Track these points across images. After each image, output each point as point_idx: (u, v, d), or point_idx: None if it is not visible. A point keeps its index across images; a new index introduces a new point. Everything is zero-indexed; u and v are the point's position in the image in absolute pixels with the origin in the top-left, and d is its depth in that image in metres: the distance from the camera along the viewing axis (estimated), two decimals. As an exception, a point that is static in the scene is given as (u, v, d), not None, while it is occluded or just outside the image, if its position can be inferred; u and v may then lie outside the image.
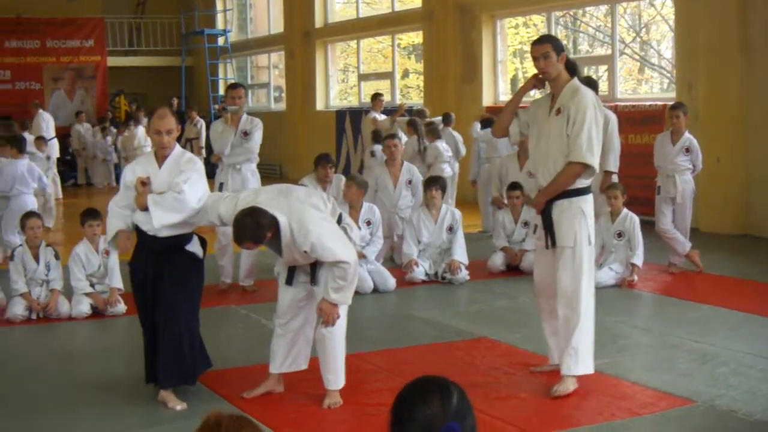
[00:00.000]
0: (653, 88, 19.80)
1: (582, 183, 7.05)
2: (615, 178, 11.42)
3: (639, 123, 15.74)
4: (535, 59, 7.11)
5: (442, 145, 15.60)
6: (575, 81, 7.08)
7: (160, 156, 7.09)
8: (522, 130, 7.37)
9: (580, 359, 7.05)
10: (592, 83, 11.73)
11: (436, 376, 2.85)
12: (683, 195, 11.58)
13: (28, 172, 12.68)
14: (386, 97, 23.85)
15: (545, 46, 7.04)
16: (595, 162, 6.97)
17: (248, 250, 8.74)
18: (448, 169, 15.56)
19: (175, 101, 26.84)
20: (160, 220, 6.85)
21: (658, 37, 20.25)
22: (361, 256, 10.74)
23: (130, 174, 7.14)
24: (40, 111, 23.48)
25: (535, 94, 7.57)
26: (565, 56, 7.07)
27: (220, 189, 10.71)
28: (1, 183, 12.62)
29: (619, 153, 11.48)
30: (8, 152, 12.87)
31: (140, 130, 22.55)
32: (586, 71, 19.03)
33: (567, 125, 6.94)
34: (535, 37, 7.86)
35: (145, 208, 6.90)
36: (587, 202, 7.11)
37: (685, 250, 11.69)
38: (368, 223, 11.29)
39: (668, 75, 18.59)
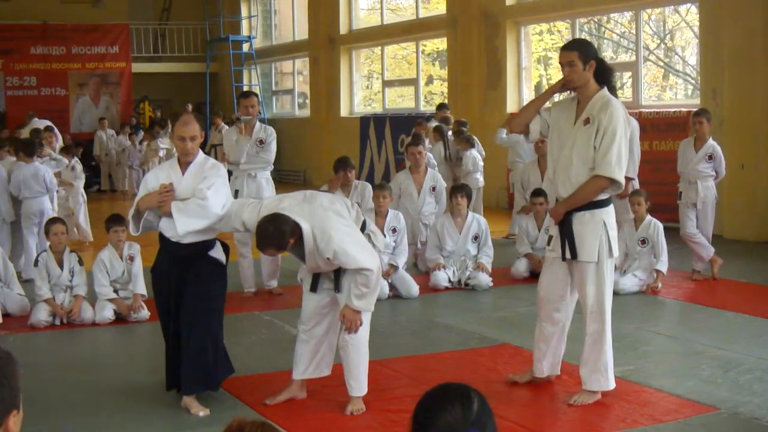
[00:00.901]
0: (678, 95, 19.74)
1: (603, 195, 6.94)
2: (636, 184, 11.43)
3: (663, 129, 15.69)
4: (561, 65, 7.01)
5: (476, 153, 15.62)
6: (605, 91, 6.93)
7: (183, 162, 7.10)
8: (542, 130, 7.22)
9: (609, 375, 7.01)
10: (610, 90, 11.76)
11: (457, 383, 2.85)
12: (704, 201, 11.53)
13: (33, 176, 12.68)
14: (410, 104, 23.93)
15: (571, 54, 6.88)
16: (621, 177, 6.84)
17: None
18: (481, 179, 15.58)
19: (190, 107, 26.79)
20: (184, 227, 6.86)
21: (682, 44, 20.20)
22: (390, 272, 10.79)
23: (153, 180, 7.15)
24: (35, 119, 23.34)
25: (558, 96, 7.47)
26: (594, 64, 6.89)
27: (236, 196, 10.71)
28: (11, 187, 12.66)
29: (639, 160, 11.50)
30: (3, 156, 12.90)
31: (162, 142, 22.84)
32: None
33: (596, 137, 6.80)
34: (560, 44, 7.75)
35: (169, 215, 6.92)
36: (609, 213, 7.00)
37: (709, 255, 11.64)
38: (393, 230, 11.27)
39: (693, 81, 18.52)
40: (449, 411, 2.72)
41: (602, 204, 6.95)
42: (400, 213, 11.71)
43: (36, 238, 12.55)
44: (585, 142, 6.86)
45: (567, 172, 6.96)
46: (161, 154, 23.46)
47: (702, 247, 11.61)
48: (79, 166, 16.18)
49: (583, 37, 19.83)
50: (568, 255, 6.96)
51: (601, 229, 6.90)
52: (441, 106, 17.92)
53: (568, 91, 7.25)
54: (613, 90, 7.04)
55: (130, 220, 7.18)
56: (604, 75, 7.01)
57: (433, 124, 16.90)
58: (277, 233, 6.42)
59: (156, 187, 7.05)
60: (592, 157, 6.83)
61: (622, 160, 6.84)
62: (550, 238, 7.22)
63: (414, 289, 11.11)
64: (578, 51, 6.90)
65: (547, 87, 7.67)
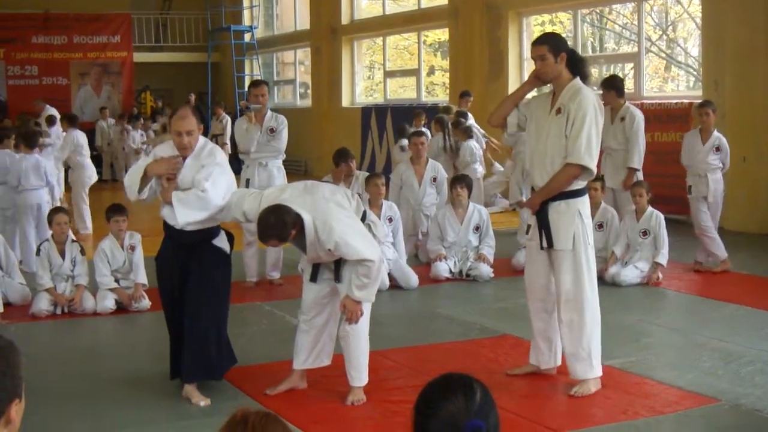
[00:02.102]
0: (680, 86, 19.71)
1: (578, 184, 7.02)
2: (640, 176, 11.42)
3: (665, 121, 15.66)
4: (533, 59, 7.11)
5: (473, 144, 15.63)
6: (577, 81, 7.02)
7: (182, 155, 7.06)
8: (520, 122, 7.33)
9: (594, 362, 7.04)
10: (617, 82, 11.75)
11: (459, 374, 2.85)
12: (715, 194, 11.51)
13: (33, 168, 12.64)
14: (412, 95, 23.91)
15: (542, 48, 7.00)
16: (592, 164, 6.93)
17: (274, 246, 8.75)
18: (481, 169, 15.60)
19: (193, 97, 26.80)
20: (185, 218, 6.86)
21: (684, 35, 20.15)
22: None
23: (160, 153, 7.14)
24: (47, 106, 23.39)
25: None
26: (565, 56, 6.99)
27: (247, 185, 10.72)
28: (9, 178, 12.61)
29: (643, 151, 11.48)
30: (9, 145, 12.86)
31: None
32: (612, 69, 19.00)
33: (566, 126, 6.90)
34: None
35: (170, 203, 6.92)
36: (584, 203, 7.08)
37: (722, 257, 11.56)
38: (390, 219, 11.28)
39: (695, 73, 18.51)
40: (452, 401, 2.72)
41: (577, 194, 7.04)
42: (393, 203, 11.73)
43: (34, 230, 12.53)
44: (557, 132, 6.97)
45: (543, 163, 7.06)
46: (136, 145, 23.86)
47: (717, 245, 11.53)
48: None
49: (585, 28, 19.83)
50: (545, 244, 7.04)
51: (577, 218, 6.99)
52: (464, 94, 17.99)
53: (543, 85, 7.36)
54: (585, 79, 7.10)
55: (130, 185, 7.09)
56: (577, 65, 7.11)
57: (454, 109, 17.04)
58: (279, 224, 6.42)
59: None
60: (564, 145, 6.90)
61: (593, 146, 6.91)
62: (529, 227, 7.33)
63: (413, 279, 11.11)
64: (548, 45, 7.02)
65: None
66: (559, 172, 6.95)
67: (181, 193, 6.90)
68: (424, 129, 15.90)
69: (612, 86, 11.58)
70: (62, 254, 10.14)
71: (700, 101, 12.33)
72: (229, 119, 23.98)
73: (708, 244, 11.57)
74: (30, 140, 13.07)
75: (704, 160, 11.52)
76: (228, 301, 7.26)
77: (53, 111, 21.16)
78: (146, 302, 10.05)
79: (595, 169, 7.03)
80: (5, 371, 2.68)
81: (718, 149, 11.52)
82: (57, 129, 18.40)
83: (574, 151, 6.85)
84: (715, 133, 11.56)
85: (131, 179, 7.12)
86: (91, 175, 16.34)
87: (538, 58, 7.01)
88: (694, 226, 11.71)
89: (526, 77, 19.78)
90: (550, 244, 7.03)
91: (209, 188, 6.85)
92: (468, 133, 15.75)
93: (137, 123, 25.95)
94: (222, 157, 7.13)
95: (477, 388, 2.78)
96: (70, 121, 16.88)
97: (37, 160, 12.82)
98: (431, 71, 25.38)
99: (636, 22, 17.95)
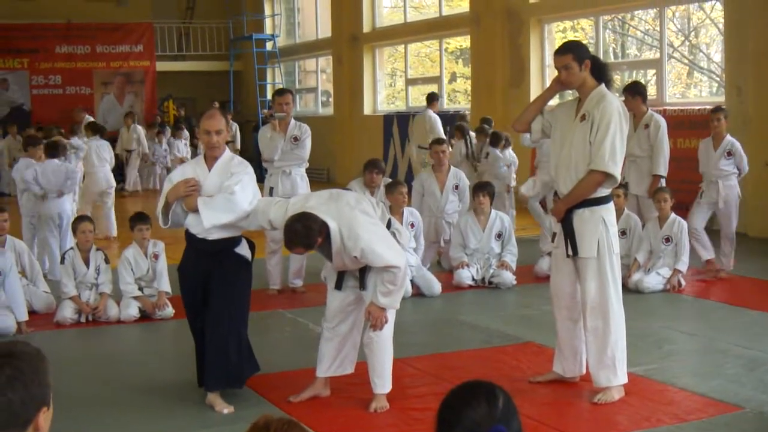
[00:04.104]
0: (702, 92, 19.65)
1: (602, 191, 7.01)
2: (663, 183, 11.40)
3: (688, 127, 15.62)
4: (557, 69, 7.10)
5: (498, 152, 15.65)
6: (602, 88, 7.02)
7: (210, 158, 7.13)
8: (545, 128, 7.33)
9: (618, 370, 7.03)
10: (640, 88, 11.71)
11: (481, 381, 2.87)
12: (726, 200, 11.47)
13: (53, 173, 12.69)
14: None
15: (566, 57, 6.98)
16: (617, 171, 6.91)
17: (298, 254, 8.78)
18: (512, 175, 15.62)
19: (217, 105, 26.88)
20: (211, 220, 6.89)
21: (707, 41, 20.09)
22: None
23: (179, 176, 7.19)
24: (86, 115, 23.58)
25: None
26: (589, 63, 6.99)
27: (270, 193, 10.76)
28: (34, 186, 12.66)
29: (668, 157, 11.46)
30: (38, 154, 12.92)
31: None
32: (635, 75, 18.96)
33: (591, 132, 6.89)
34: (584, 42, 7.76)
35: (195, 211, 6.95)
36: (608, 210, 7.07)
37: (707, 258, 11.57)
38: (411, 225, 11.30)
39: (717, 79, 18.45)
40: (475, 408, 2.73)
41: (601, 201, 7.03)
42: (416, 210, 11.75)
43: (57, 239, 12.59)
44: (582, 139, 6.96)
45: (568, 170, 7.05)
46: (180, 155, 23.75)
47: (702, 246, 11.56)
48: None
49: (607, 34, 19.79)
50: (570, 252, 7.04)
51: (601, 225, 6.97)
52: (432, 97, 18.47)
53: (566, 90, 7.33)
54: (609, 84, 7.09)
55: (159, 214, 7.20)
56: (601, 71, 7.10)
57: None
58: (306, 232, 6.44)
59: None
60: (588, 152, 6.90)
61: (617, 153, 6.90)
62: (554, 235, 7.31)
63: (436, 287, 11.11)
64: (573, 53, 7.01)
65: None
66: (583, 179, 6.94)
67: (206, 197, 6.95)
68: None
69: (638, 92, 11.53)
70: (86, 262, 10.18)
71: (712, 107, 12.28)
72: (237, 126, 24.05)
73: (695, 245, 11.51)
74: (57, 150, 13.15)
75: (717, 167, 11.50)
76: (248, 308, 7.29)
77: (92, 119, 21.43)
78: (170, 310, 10.08)
79: (619, 176, 7.02)
80: (33, 379, 2.71)
81: (729, 154, 11.48)
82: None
83: (598, 157, 6.84)
84: (728, 138, 11.53)
85: (158, 209, 7.23)
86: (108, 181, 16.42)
87: (562, 68, 7.00)
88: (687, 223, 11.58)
89: (547, 84, 19.90)
90: (575, 252, 7.03)
91: (238, 191, 6.91)
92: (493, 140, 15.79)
93: (160, 136, 25.95)
94: (251, 169, 7.18)
95: (499, 395, 2.79)
96: (94, 130, 17.00)
97: (59, 167, 12.88)
98: (453, 78, 25.39)
99: (658, 28, 17.92)
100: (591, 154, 6.88)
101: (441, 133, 16.91)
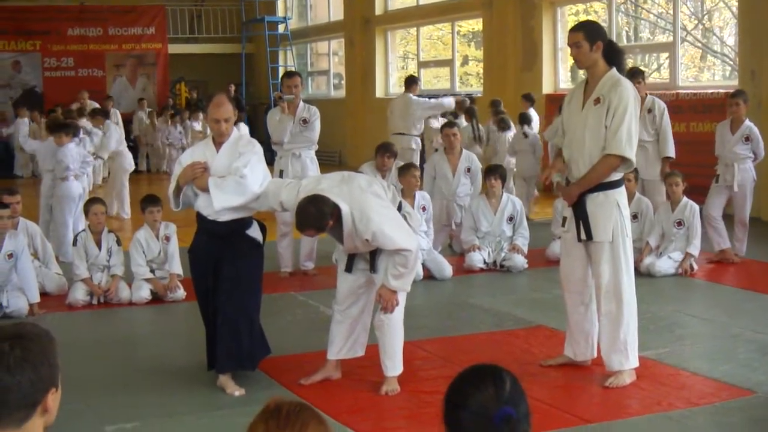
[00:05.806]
0: (715, 76, 19.60)
1: (616, 175, 7.00)
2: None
3: (701, 111, 15.56)
4: (569, 46, 7.08)
5: (509, 135, 15.67)
6: (614, 72, 6.97)
7: (218, 141, 7.14)
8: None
9: (630, 353, 7.02)
10: (636, 71, 11.71)
11: (488, 364, 2.88)
12: (741, 184, 11.46)
13: (68, 157, 12.70)
14: (446, 85, 23.86)
15: (577, 35, 6.96)
16: (633, 155, 6.90)
17: (309, 236, 8.78)
18: (513, 161, 15.63)
19: (233, 88, 26.93)
20: (221, 203, 6.90)
21: (720, 24, 20.03)
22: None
23: (188, 158, 7.20)
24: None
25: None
26: (601, 45, 6.94)
27: (280, 176, 10.75)
28: (57, 167, 12.71)
29: (672, 139, 11.58)
30: (63, 139, 12.93)
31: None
32: (648, 59, 18.90)
33: (606, 116, 6.86)
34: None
35: (206, 191, 6.96)
36: (622, 194, 7.07)
37: (722, 247, 11.55)
38: (423, 208, 11.30)
39: (731, 62, 18.38)
40: (482, 391, 2.74)
41: (615, 185, 7.03)
42: (426, 193, 11.75)
43: (72, 220, 12.60)
44: (596, 122, 6.93)
45: (582, 153, 7.01)
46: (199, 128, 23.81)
47: (718, 234, 11.54)
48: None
49: (620, 17, 19.71)
50: (583, 236, 7.02)
51: (615, 209, 6.96)
52: (411, 80, 16.66)
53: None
54: (622, 71, 7.07)
55: (170, 196, 7.21)
56: (615, 56, 7.06)
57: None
58: (318, 214, 6.44)
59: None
60: (603, 136, 6.88)
61: (633, 138, 6.89)
62: (565, 219, 7.27)
63: (447, 270, 11.11)
64: (584, 32, 6.98)
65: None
66: (598, 162, 6.91)
67: (217, 178, 6.95)
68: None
69: (642, 77, 11.57)
70: (98, 244, 10.20)
71: (732, 91, 12.26)
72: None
73: (711, 233, 11.52)
74: (69, 131, 13.18)
75: (733, 150, 11.49)
76: (260, 290, 7.29)
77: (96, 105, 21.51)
78: (181, 292, 10.10)
79: (634, 160, 7.00)
80: (42, 360, 2.71)
81: (747, 139, 11.49)
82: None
83: (615, 141, 6.81)
84: (746, 123, 11.52)
85: (170, 192, 7.24)
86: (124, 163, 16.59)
87: (573, 45, 6.97)
88: (703, 210, 11.56)
89: (560, 67, 19.95)
90: (589, 236, 6.99)
91: (248, 174, 6.92)
92: (506, 126, 15.80)
93: (174, 118, 25.90)
94: (259, 148, 7.19)
95: (506, 378, 2.80)
96: (104, 115, 17.14)
97: (76, 150, 12.93)
98: (465, 61, 25.33)
99: (671, 11, 17.83)
100: (607, 138, 6.86)
101: (420, 117, 16.10)
